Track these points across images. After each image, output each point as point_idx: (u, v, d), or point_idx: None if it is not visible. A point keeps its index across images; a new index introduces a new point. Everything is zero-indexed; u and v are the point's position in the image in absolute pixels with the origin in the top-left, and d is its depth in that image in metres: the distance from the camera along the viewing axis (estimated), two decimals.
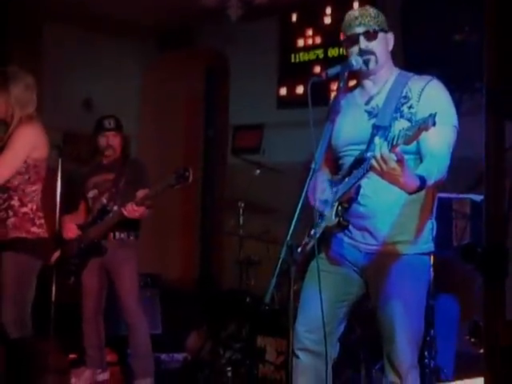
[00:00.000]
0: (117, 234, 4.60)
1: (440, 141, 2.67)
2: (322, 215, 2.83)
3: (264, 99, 6.69)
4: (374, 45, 2.81)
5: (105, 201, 4.62)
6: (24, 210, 3.75)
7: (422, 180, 2.51)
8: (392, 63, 2.93)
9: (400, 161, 2.39)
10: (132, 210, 4.29)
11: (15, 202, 3.74)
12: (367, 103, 2.88)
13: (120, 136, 4.76)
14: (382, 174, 2.46)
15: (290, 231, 2.45)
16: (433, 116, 2.28)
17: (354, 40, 2.82)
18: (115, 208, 4.54)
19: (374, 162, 2.43)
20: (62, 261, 4.69)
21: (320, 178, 2.92)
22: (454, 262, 4.43)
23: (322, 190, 2.90)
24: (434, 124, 2.28)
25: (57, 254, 4.72)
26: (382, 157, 2.39)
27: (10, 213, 3.72)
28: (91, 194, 4.73)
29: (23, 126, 3.72)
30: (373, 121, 2.80)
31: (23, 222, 3.73)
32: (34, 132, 3.75)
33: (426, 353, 4.01)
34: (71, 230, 4.66)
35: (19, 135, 3.70)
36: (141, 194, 4.47)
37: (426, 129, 2.30)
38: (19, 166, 3.70)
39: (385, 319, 2.82)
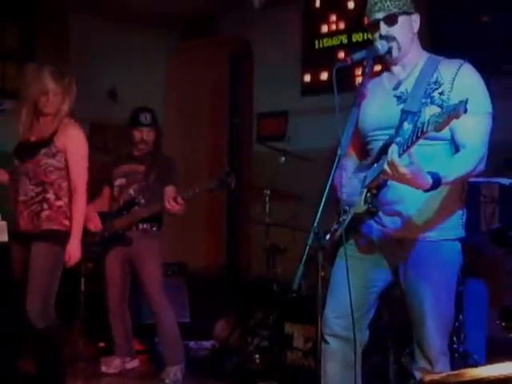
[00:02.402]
0: (139, 224, 4.64)
1: (474, 132, 2.63)
2: (349, 202, 2.82)
3: (288, 86, 6.67)
4: (394, 30, 2.76)
5: (132, 192, 4.66)
6: (59, 203, 3.81)
7: (436, 179, 2.48)
8: (419, 45, 2.87)
9: (413, 163, 2.39)
10: (173, 206, 4.34)
11: (50, 196, 3.79)
12: (396, 88, 2.83)
13: (155, 131, 4.78)
14: (393, 179, 2.47)
15: (317, 218, 2.44)
16: (464, 103, 2.22)
17: (375, 26, 2.78)
18: (142, 201, 4.58)
19: (386, 166, 2.43)
20: (83, 247, 4.74)
21: (346, 165, 2.90)
22: (482, 247, 4.40)
23: (347, 177, 2.89)
24: (465, 111, 2.22)
25: None
26: (392, 162, 2.39)
27: (45, 206, 3.77)
28: (118, 182, 4.75)
29: (72, 127, 3.84)
30: (401, 106, 2.76)
31: (57, 215, 3.79)
32: (80, 131, 3.89)
33: (454, 338, 4.00)
34: (95, 224, 4.68)
35: (77, 140, 3.85)
36: (169, 190, 4.57)
37: (457, 116, 2.24)
38: (86, 168, 3.86)
39: (415, 305, 2.81)
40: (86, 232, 4.68)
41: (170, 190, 4.61)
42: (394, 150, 2.39)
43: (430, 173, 2.47)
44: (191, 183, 4.71)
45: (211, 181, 4.26)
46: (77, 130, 3.86)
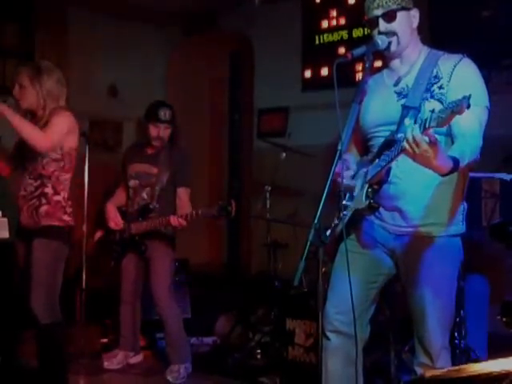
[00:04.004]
0: None
1: (472, 122, 2.62)
2: (349, 197, 2.82)
3: (289, 82, 6.67)
4: (394, 26, 2.76)
5: (146, 196, 4.64)
6: (57, 198, 3.79)
7: (456, 161, 2.45)
8: (419, 41, 2.87)
9: (433, 143, 2.33)
10: (178, 223, 4.38)
11: (49, 190, 3.77)
12: (396, 84, 2.84)
13: (172, 128, 4.69)
14: (414, 157, 2.40)
15: (318, 214, 2.44)
16: (467, 98, 2.21)
17: (374, 22, 2.78)
18: (157, 206, 4.57)
19: (406, 144, 2.38)
20: (107, 245, 4.75)
21: (346, 161, 2.89)
22: (483, 242, 4.40)
23: (348, 173, 2.88)
24: (468, 107, 2.22)
25: (98, 235, 4.79)
26: (414, 139, 2.33)
27: (43, 200, 3.76)
28: (132, 183, 4.73)
29: (58, 114, 3.76)
30: (402, 101, 2.77)
31: (56, 210, 3.77)
32: (69, 119, 3.80)
33: (456, 333, 4.00)
34: (117, 223, 4.70)
35: (56, 120, 3.73)
36: (181, 192, 4.60)
37: (460, 112, 2.23)
38: (62, 137, 3.73)
39: (415, 301, 2.81)
40: (108, 230, 4.71)
41: (181, 193, 4.61)
42: (414, 127, 2.35)
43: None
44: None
45: (213, 207, 4.26)
46: (62, 113, 3.77)
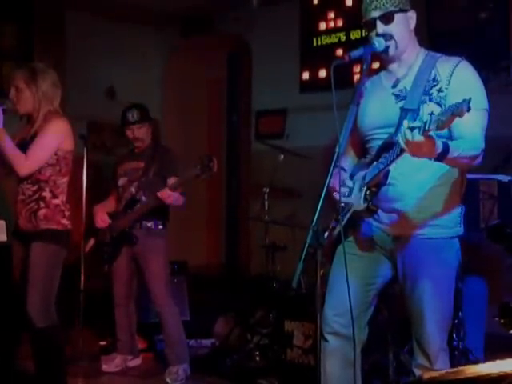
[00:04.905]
0: (143, 223, 4.63)
1: (472, 126, 2.62)
2: (346, 201, 2.82)
3: (287, 84, 6.67)
4: (391, 28, 2.76)
5: (133, 190, 4.66)
6: (56, 201, 3.78)
7: (445, 146, 2.46)
8: (416, 42, 2.87)
9: (429, 138, 2.36)
10: (166, 195, 4.35)
11: (47, 194, 3.76)
12: (394, 86, 2.83)
13: (146, 126, 4.77)
14: (413, 154, 2.44)
15: (316, 215, 2.44)
16: (467, 102, 2.22)
17: (371, 24, 2.78)
18: (143, 198, 4.58)
19: (404, 146, 2.40)
20: (97, 249, 4.75)
21: (344, 163, 2.90)
22: (481, 244, 4.40)
23: (345, 175, 2.88)
24: (468, 110, 2.22)
25: (91, 243, 4.78)
26: (412, 141, 2.36)
27: (42, 204, 3.75)
28: (121, 181, 4.77)
29: (52, 120, 3.76)
30: (400, 104, 2.77)
31: (55, 214, 3.76)
32: (62, 125, 3.79)
33: (454, 335, 4.00)
34: (103, 220, 4.72)
35: (48, 129, 3.73)
36: (172, 181, 4.53)
37: (460, 115, 2.24)
38: (48, 159, 3.74)
39: (413, 303, 2.81)
40: (97, 232, 4.71)
41: (170, 182, 4.56)
42: (414, 133, 2.35)
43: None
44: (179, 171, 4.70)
45: (194, 167, 4.26)
46: (56, 121, 3.77)
